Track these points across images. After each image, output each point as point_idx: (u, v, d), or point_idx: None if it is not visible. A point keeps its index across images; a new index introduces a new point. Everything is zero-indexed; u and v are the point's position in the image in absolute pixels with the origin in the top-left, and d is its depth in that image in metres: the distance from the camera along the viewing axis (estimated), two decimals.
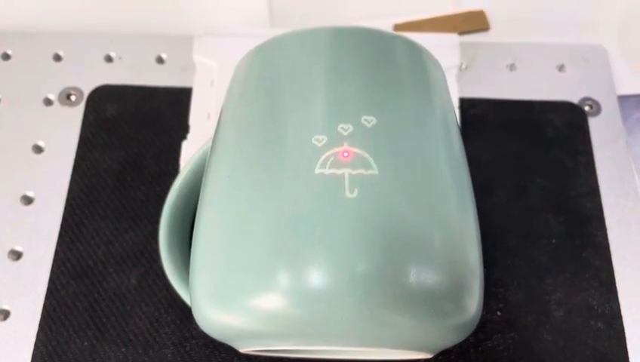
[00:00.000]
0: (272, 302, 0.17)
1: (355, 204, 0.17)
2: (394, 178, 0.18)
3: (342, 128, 0.18)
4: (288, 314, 0.17)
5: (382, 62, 0.20)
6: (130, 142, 0.30)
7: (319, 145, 0.18)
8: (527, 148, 0.30)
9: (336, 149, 0.18)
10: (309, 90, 0.19)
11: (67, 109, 0.31)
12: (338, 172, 0.18)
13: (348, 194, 0.17)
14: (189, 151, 0.29)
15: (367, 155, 0.18)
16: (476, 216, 0.20)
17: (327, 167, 0.18)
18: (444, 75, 0.22)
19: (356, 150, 0.18)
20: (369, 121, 0.19)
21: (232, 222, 0.18)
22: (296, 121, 0.19)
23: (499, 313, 0.26)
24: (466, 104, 0.31)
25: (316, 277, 0.17)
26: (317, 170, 0.18)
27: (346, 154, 0.18)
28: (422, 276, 0.17)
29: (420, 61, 0.21)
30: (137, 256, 0.28)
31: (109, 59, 0.33)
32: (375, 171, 0.18)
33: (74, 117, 0.31)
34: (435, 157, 0.19)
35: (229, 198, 0.19)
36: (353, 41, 0.21)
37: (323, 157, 0.18)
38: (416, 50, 0.21)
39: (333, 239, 0.17)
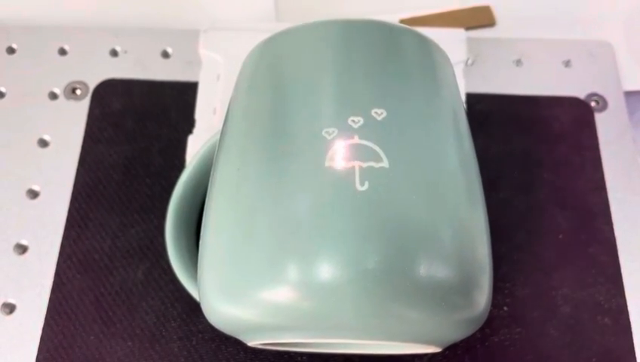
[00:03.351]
0: (281, 294, 0.17)
1: (366, 197, 0.17)
2: (404, 171, 0.18)
3: (352, 121, 0.18)
4: (298, 306, 0.17)
5: (391, 54, 0.20)
6: (136, 137, 0.30)
7: (329, 137, 0.18)
8: (534, 143, 0.30)
9: (346, 142, 0.18)
10: (318, 83, 0.19)
11: (72, 103, 0.31)
12: (348, 165, 0.18)
13: (358, 187, 0.17)
14: (195, 146, 0.29)
15: (377, 148, 0.18)
16: (485, 210, 0.20)
17: (338, 159, 0.18)
18: (453, 69, 0.22)
19: (367, 143, 0.18)
20: (379, 113, 0.18)
21: (242, 215, 0.18)
22: (306, 113, 0.19)
23: (505, 308, 0.26)
24: (472, 99, 0.31)
25: (326, 270, 0.16)
26: (327, 163, 0.18)
27: (356, 146, 0.18)
28: (432, 269, 0.17)
29: (429, 54, 0.21)
30: (143, 250, 0.28)
31: (114, 53, 0.33)
32: (385, 164, 0.18)
33: (79, 111, 0.31)
34: (445, 150, 0.19)
35: (239, 191, 0.19)
36: (363, 33, 0.20)
37: (333, 150, 0.18)
38: (425, 43, 0.21)
39: (344, 232, 0.17)
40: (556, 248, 0.28)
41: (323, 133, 0.18)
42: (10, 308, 0.26)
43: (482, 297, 0.19)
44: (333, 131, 0.18)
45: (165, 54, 0.33)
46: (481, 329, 0.26)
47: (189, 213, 0.26)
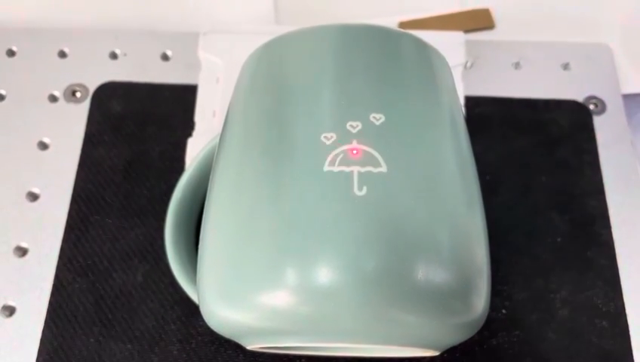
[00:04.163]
0: (280, 299, 0.17)
1: (364, 202, 0.17)
2: (402, 176, 0.18)
3: (351, 126, 0.18)
4: (296, 311, 0.17)
5: (390, 59, 0.20)
6: (136, 139, 0.30)
7: (328, 142, 0.18)
8: (532, 146, 0.30)
9: (345, 147, 0.18)
10: (317, 88, 0.19)
11: (72, 106, 0.31)
12: (347, 170, 0.18)
13: (357, 192, 0.17)
14: (195, 149, 0.29)
15: (375, 153, 0.18)
16: (484, 214, 0.20)
17: (336, 164, 0.18)
18: (451, 73, 0.22)
19: (365, 147, 0.18)
20: (378, 118, 0.19)
21: (241, 219, 0.18)
22: (305, 118, 0.19)
23: (504, 311, 0.26)
24: (471, 102, 0.31)
25: (325, 275, 0.17)
26: (326, 168, 0.18)
27: (355, 151, 0.18)
28: (430, 274, 0.17)
29: (427, 58, 0.21)
30: (143, 253, 0.28)
31: (114, 55, 0.33)
32: (384, 169, 0.18)
33: (79, 113, 0.31)
34: (444, 155, 0.19)
35: (238, 195, 0.19)
36: (361, 38, 0.20)
37: (332, 155, 0.18)
38: (424, 47, 0.21)
39: (342, 237, 0.17)
40: (554, 251, 0.28)
41: (322, 137, 0.18)
42: (10, 311, 0.26)
43: (480, 301, 0.19)
44: (332, 136, 0.18)
45: (165, 57, 0.33)
46: (480, 332, 0.25)
47: (189, 216, 0.26)
